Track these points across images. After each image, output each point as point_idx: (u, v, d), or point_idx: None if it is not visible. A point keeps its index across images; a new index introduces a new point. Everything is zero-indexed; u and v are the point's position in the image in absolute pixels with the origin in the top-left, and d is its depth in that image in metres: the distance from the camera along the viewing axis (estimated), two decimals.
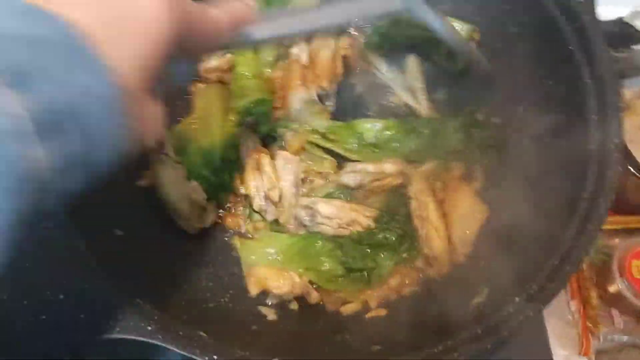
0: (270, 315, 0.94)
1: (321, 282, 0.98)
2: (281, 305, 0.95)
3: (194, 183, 1.01)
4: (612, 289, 1.21)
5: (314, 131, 1.10)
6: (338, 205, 1.02)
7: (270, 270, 0.95)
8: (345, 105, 1.16)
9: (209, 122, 1.07)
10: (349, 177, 1.06)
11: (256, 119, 1.07)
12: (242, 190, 1.03)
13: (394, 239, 1.01)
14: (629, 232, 1.27)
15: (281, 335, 0.90)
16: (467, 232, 1.03)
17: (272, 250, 0.99)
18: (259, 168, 1.03)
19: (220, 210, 1.06)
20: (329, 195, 1.06)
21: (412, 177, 1.07)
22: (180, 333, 0.75)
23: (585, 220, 0.85)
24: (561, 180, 0.92)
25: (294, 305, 0.96)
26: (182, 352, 0.73)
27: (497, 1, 1.08)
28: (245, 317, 0.92)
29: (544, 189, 0.94)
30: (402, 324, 0.92)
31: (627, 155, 1.12)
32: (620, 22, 1.37)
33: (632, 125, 1.13)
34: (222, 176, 1.03)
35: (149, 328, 0.74)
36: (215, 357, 0.73)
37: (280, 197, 1.03)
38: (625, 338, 1.22)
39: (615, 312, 1.23)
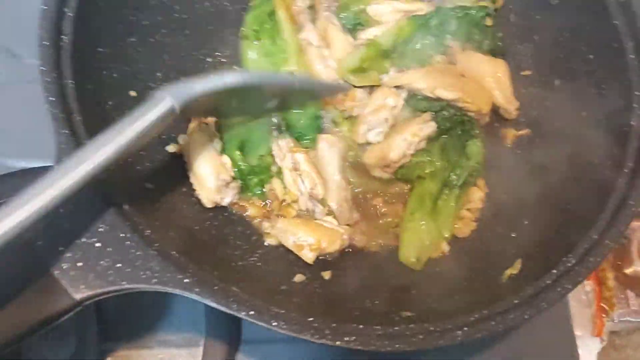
0: (298, 277, 0.93)
1: None
2: (312, 271, 0.94)
3: (225, 157, 1.00)
4: (629, 270, 1.21)
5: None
6: None
7: (318, 232, 0.94)
8: None
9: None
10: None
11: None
12: (284, 197, 1.02)
13: None
14: None
15: (311, 297, 0.89)
16: (505, 84, 1.09)
17: None
18: (296, 168, 1.01)
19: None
20: None
21: None
22: (216, 287, 0.74)
23: (625, 196, 0.84)
24: (601, 156, 0.91)
25: (327, 274, 0.95)
26: (217, 306, 0.72)
27: None
28: (275, 276, 0.91)
29: (583, 164, 0.92)
30: (433, 291, 0.90)
31: None
32: None
33: None
34: (252, 175, 1.03)
35: (186, 281, 0.72)
36: (252, 312, 0.72)
37: (326, 189, 1.00)
38: (639, 319, 1.22)
39: (630, 294, 1.23)
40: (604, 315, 1.22)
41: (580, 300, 1.24)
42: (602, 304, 1.23)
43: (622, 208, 0.83)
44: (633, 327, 1.25)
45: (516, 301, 0.77)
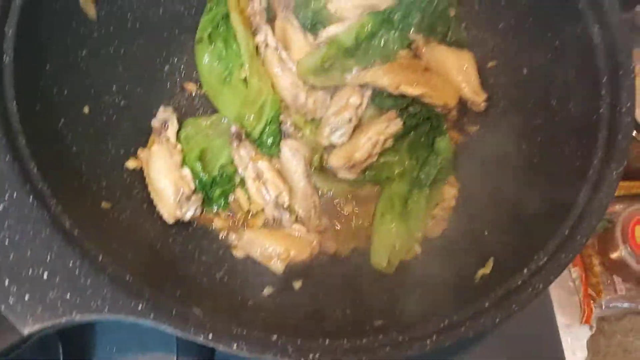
0: (267, 289, 0.90)
1: None
2: (281, 281, 0.92)
3: (186, 170, 0.98)
4: (614, 255, 1.20)
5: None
6: None
7: (287, 241, 0.93)
8: None
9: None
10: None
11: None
12: (250, 207, 1.00)
13: None
14: (631, 198, 1.24)
15: (280, 311, 0.86)
16: (471, 76, 1.07)
17: None
18: (260, 176, 0.98)
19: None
20: None
21: None
22: (173, 311, 0.71)
23: (596, 187, 0.81)
24: (570, 146, 0.88)
25: (297, 284, 0.92)
26: (174, 332, 0.69)
27: None
28: (243, 292, 0.89)
29: (552, 155, 0.90)
30: (405, 296, 0.88)
31: None
32: None
33: None
34: (214, 187, 1.01)
35: (140, 307, 0.69)
36: (210, 335, 0.69)
37: (291, 196, 0.99)
38: (626, 304, 1.21)
39: (617, 279, 1.22)
40: (591, 302, 1.20)
41: (567, 288, 1.23)
42: (589, 291, 1.22)
43: (593, 200, 0.80)
44: (621, 313, 1.24)
45: (487, 304, 0.75)
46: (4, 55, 0.79)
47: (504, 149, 1.01)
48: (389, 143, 1.02)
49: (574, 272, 1.23)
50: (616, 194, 1.18)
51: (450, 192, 1.03)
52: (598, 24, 0.89)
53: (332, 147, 1.03)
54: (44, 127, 0.83)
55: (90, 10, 0.95)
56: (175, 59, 1.11)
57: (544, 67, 0.98)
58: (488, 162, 1.02)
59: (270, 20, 1.10)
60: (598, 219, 0.79)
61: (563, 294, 1.21)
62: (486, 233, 0.94)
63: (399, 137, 1.03)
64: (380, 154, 1.02)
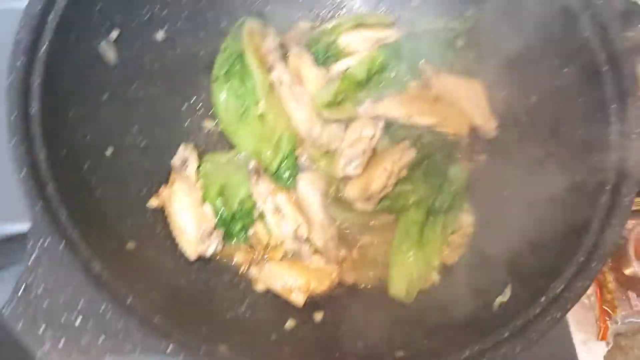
0: (289, 322, 0.92)
1: None
2: (302, 314, 0.93)
3: (207, 207, 1.00)
4: (628, 271, 1.20)
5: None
6: None
7: (306, 273, 0.95)
8: None
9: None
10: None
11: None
12: (269, 240, 1.01)
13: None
14: None
15: (303, 344, 0.88)
16: (481, 104, 1.08)
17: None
18: (278, 210, 1.00)
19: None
20: None
21: None
22: (202, 349, 0.73)
23: (609, 214, 0.83)
24: (581, 173, 0.89)
25: (318, 316, 0.94)
26: None
27: None
28: (265, 326, 0.91)
29: (564, 182, 0.91)
30: (425, 326, 0.89)
31: None
32: (626, 1, 1.36)
33: None
34: (234, 222, 1.02)
35: (171, 347, 0.72)
36: None
37: (309, 228, 1.00)
38: None
39: (632, 295, 1.22)
40: (607, 318, 1.21)
41: (582, 304, 1.23)
42: (604, 307, 1.22)
43: (606, 227, 0.82)
44: (637, 328, 1.24)
45: (506, 334, 0.77)
46: (31, 107, 0.82)
47: (516, 176, 1.02)
48: (404, 172, 1.04)
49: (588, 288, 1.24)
50: None
51: (466, 220, 1.04)
52: (604, 51, 0.91)
53: (347, 178, 1.05)
54: (70, 173, 0.86)
55: (110, 56, 0.98)
56: (193, 98, 1.14)
57: (553, 95, 1.00)
58: (501, 189, 1.03)
59: (284, 56, 1.14)
60: (612, 244, 0.81)
61: (579, 311, 1.21)
62: (503, 260, 0.95)
63: (413, 166, 1.05)
64: (395, 184, 1.04)
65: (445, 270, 1.01)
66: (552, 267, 0.82)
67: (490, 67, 1.11)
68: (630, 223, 1.23)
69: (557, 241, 0.87)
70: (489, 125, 1.07)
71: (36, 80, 0.84)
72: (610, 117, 0.88)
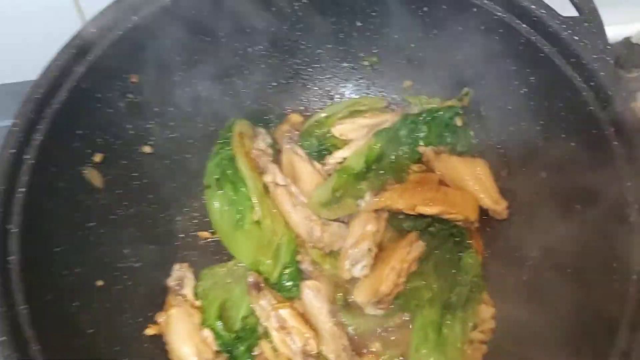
0: None
1: None
2: None
3: (207, 332, 0.94)
4: None
5: None
6: None
7: None
8: None
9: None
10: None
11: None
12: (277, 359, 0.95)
13: None
14: None
15: None
16: (488, 185, 1.02)
17: None
18: (284, 326, 0.94)
19: None
20: None
21: None
22: None
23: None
24: (603, 250, 0.82)
25: None
26: None
27: (502, 63, 0.98)
28: None
29: (587, 260, 0.85)
30: None
31: None
32: (628, 43, 1.32)
33: None
34: (238, 343, 0.96)
35: None
36: None
37: (320, 341, 0.94)
38: None
39: None
40: None
41: None
42: None
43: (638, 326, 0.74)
44: None
45: None
46: (10, 256, 0.77)
47: (534, 258, 0.96)
48: (414, 267, 0.98)
49: None
50: None
51: (487, 312, 0.97)
52: (612, 125, 0.85)
53: (355, 279, 0.99)
54: (56, 319, 0.81)
55: (96, 179, 0.94)
56: (187, 208, 1.09)
57: (563, 169, 0.94)
58: (520, 274, 0.97)
59: (277, 153, 1.09)
60: None
61: None
62: (533, 356, 0.88)
63: (423, 259, 0.99)
64: (407, 280, 0.97)
65: None
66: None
67: (493, 144, 1.06)
68: None
69: (591, 331, 0.80)
70: (499, 206, 1.01)
71: (14, 229, 0.79)
72: (627, 197, 0.82)
